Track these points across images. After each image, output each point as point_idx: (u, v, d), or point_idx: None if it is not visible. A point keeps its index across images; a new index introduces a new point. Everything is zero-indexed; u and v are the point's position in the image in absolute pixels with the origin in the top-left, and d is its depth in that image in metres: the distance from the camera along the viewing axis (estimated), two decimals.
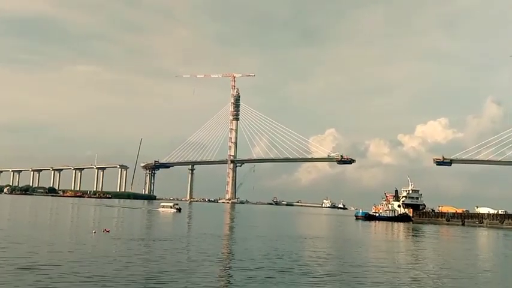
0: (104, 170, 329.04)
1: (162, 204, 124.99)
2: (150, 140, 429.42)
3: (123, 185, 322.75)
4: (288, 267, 29.28)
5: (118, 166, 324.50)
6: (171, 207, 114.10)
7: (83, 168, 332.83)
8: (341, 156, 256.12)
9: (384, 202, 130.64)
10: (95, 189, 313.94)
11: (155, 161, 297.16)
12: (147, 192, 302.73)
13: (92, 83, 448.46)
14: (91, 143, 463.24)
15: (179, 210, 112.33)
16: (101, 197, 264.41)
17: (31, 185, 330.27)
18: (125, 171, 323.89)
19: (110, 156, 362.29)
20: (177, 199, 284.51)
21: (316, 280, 25.57)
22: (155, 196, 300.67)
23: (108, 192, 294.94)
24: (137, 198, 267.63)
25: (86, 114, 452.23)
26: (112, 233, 45.92)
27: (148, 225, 68.97)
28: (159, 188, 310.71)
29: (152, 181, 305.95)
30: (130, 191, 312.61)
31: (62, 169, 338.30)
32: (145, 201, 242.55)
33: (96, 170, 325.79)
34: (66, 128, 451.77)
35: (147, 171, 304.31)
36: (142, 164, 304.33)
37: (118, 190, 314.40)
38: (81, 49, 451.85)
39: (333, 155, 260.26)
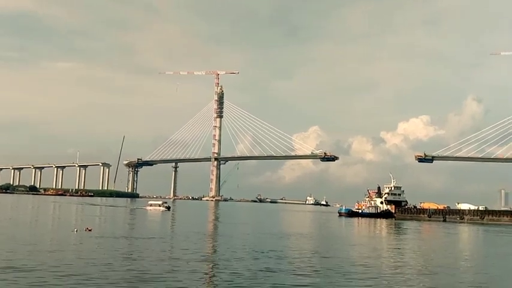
0: (86, 168, 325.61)
1: (150, 202, 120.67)
2: (133, 138, 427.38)
3: (106, 183, 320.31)
4: (272, 264, 29.25)
5: (100, 164, 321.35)
6: (160, 206, 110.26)
7: (65, 166, 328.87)
8: (324, 153, 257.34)
9: (367, 199, 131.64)
10: (76, 188, 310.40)
11: (138, 159, 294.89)
12: (130, 190, 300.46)
13: (73, 80, 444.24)
14: (73, 141, 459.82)
15: (168, 208, 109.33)
16: (83, 195, 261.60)
17: (11, 183, 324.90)
18: (107, 169, 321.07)
19: (92, 154, 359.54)
20: (161, 197, 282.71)
21: (301, 278, 25.60)
22: (138, 194, 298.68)
23: (90, 191, 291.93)
24: (120, 196, 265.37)
25: (68, 112, 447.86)
26: (94, 232, 45.40)
27: (131, 223, 68.40)
28: (142, 186, 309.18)
29: (135, 179, 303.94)
30: (112, 189, 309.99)
31: (43, 167, 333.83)
32: (128, 199, 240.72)
33: (78, 168, 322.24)
34: (48, 126, 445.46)
35: (130, 169, 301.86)
36: (125, 162, 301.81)
37: (100, 188, 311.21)
38: (62, 46, 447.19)
39: (316, 152, 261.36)
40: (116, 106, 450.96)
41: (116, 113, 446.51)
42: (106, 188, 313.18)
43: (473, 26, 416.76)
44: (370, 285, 24.47)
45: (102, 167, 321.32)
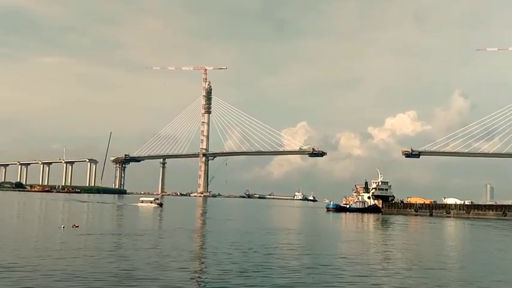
0: (73, 165, 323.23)
1: (141, 199, 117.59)
2: (121, 134, 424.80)
3: (93, 179, 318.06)
4: (261, 260, 29.29)
5: (87, 160, 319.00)
6: (152, 202, 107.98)
7: (51, 163, 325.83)
8: (312, 149, 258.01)
9: (354, 194, 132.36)
10: (63, 184, 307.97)
11: (125, 155, 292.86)
12: (117, 187, 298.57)
13: (60, 75, 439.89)
14: (60, 137, 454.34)
15: (160, 205, 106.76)
16: (69, 192, 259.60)
17: None
18: (94, 166, 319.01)
19: (79, 151, 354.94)
20: (149, 193, 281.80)
21: (290, 273, 25.67)
22: (125, 190, 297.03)
23: (77, 187, 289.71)
24: (107, 193, 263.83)
25: (54, 107, 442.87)
26: (81, 228, 45.08)
27: (119, 220, 68.02)
28: (130, 182, 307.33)
29: (122, 175, 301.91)
30: (100, 185, 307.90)
31: (29, 163, 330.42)
32: (116, 195, 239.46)
33: (65, 165, 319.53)
34: (34, 122, 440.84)
35: (117, 165, 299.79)
36: (112, 158, 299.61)
37: (87, 185, 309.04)
38: (49, 41, 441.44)
39: (304, 147, 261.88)
40: (103, 101, 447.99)
41: (103, 109, 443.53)
42: (93, 185, 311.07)
43: (459, 22, 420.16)
44: (357, 281, 24.60)
45: (89, 163, 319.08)
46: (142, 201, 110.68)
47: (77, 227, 45.98)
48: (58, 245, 32.99)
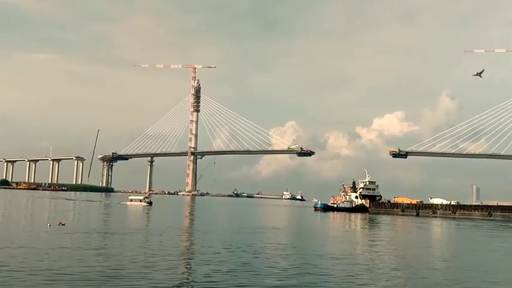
0: (60, 162, 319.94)
1: (130, 197, 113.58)
2: (109, 132, 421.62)
3: (80, 177, 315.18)
4: (249, 259, 29.33)
5: (74, 158, 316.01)
6: (141, 201, 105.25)
7: (38, 160, 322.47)
8: (301, 148, 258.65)
9: (342, 193, 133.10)
10: (50, 182, 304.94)
11: (113, 153, 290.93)
12: (104, 185, 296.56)
13: (49, 72, 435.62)
14: (47, 134, 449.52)
15: (150, 203, 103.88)
16: (56, 190, 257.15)
17: None
18: (81, 163, 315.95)
19: (66, 148, 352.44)
20: (136, 191, 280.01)
21: (277, 272, 25.73)
22: (113, 189, 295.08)
23: (63, 185, 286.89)
24: (94, 191, 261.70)
25: (42, 104, 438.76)
26: (68, 227, 44.73)
27: (106, 218, 67.60)
28: (117, 181, 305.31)
29: (110, 173, 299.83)
30: (87, 183, 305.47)
31: (15, 161, 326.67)
32: (103, 193, 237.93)
33: (52, 162, 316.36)
34: (21, 118, 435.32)
35: (105, 163, 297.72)
36: (100, 156, 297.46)
37: (74, 182, 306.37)
38: (37, 37, 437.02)
39: (293, 147, 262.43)
40: (91, 99, 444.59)
41: (91, 106, 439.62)
42: (80, 182, 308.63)
43: (447, 23, 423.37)
44: (344, 281, 24.73)
45: (76, 161, 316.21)
46: (131, 200, 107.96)
47: (64, 225, 45.61)
48: (44, 244, 32.69)
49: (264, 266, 27.29)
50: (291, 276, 24.88)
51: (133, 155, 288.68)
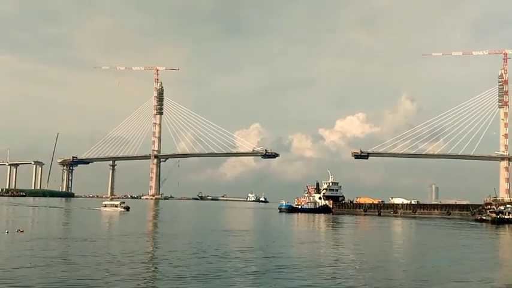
0: (17, 167, 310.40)
1: (104, 203, 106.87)
2: (68, 135, 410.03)
3: (39, 182, 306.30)
4: (214, 263, 29.19)
5: (32, 162, 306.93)
6: (117, 206, 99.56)
7: None
8: (265, 150, 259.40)
9: (306, 195, 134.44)
10: (7, 187, 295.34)
11: (73, 157, 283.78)
12: (64, 190, 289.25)
13: (5, 73, 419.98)
14: (3, 137, 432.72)
15: (127, 209, 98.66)
16: (14, 195, 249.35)
17: None
18: (40, 168, 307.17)
19: (24, 152, 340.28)
20: (97, 196, 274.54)
21: (244, 276, 25.72)
22: (73, 193, 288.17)
23: (22, 190, 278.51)
24: (54, 196, 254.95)
25: None
26: (27, 233, 43.41)
27: (66, 224, 65.94)
28: (78, 185, 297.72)
29: (70, 178, 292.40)
30: (46, 188, 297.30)
31: None
32: (63, 199, 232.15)
33: (9, 167, 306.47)
34: None
35: (65, 167, 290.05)
36: (59, 160, 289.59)
37: (33, 188, 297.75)
38: None
39: (257, 149, 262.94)
40: (50, 101, 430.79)
41: (50, 109, 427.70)
42: (39, 188, 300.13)
43: (407, 26, 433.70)
44: (309, 284, 24.95)
45: (34, 166, 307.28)
46: (105, 206, 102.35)
47: (22, 232, 44.27)
48: (1, 252, 31.59)
49: (230, 270, 27.21)
50: (259, 279, 24.91)
51: (95, 158, 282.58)
